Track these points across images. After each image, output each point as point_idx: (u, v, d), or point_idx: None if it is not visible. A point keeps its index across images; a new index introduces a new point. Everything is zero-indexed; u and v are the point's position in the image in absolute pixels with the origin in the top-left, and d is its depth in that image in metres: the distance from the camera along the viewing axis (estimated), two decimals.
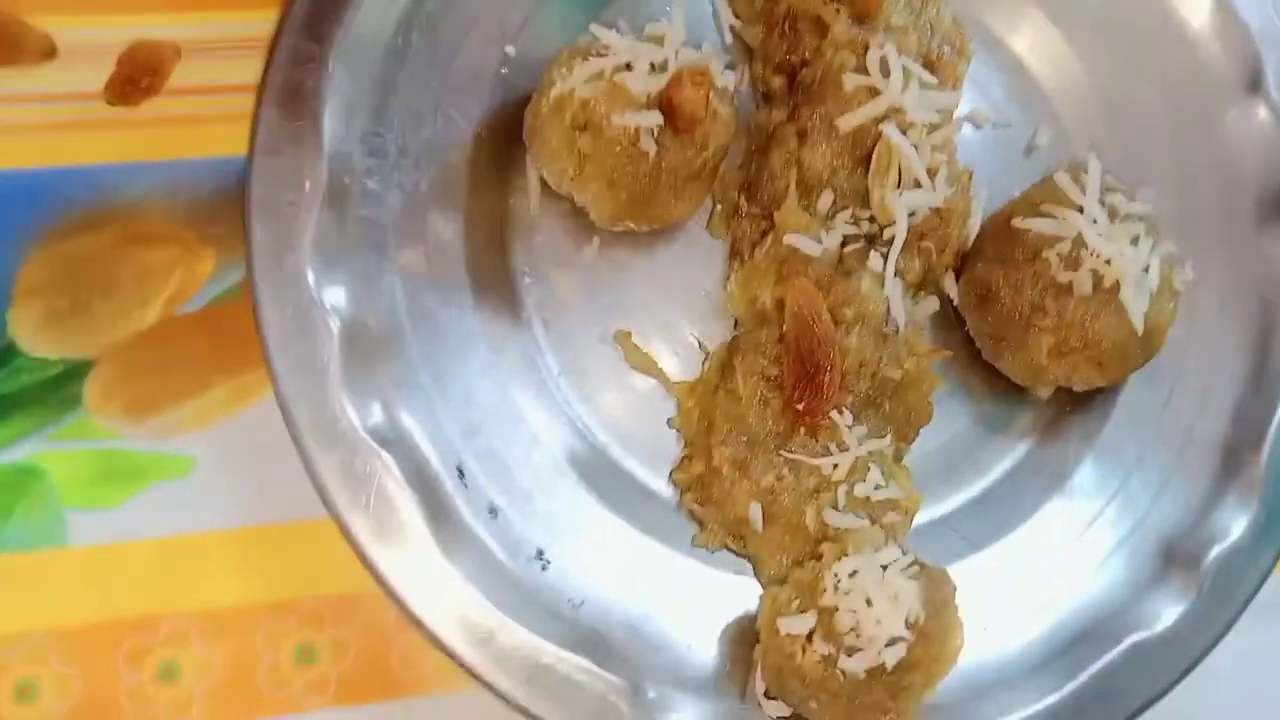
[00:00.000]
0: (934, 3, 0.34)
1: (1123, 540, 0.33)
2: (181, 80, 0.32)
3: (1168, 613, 0.31)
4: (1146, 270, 0.31)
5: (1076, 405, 0.34)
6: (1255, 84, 0.34)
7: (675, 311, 0.33)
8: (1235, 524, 0.32)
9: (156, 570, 0.30)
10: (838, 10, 0.33)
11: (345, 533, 0.28)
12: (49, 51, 0.32)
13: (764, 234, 0.32)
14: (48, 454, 0.30)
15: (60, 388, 0.31)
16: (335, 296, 0.29)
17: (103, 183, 0.31)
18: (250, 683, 0.30)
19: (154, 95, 0.32)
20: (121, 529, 0.30)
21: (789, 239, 0.31)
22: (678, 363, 0.33)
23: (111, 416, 0.31)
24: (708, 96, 0.29)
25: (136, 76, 0.32)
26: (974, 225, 0.34)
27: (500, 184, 0.32)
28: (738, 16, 0.34)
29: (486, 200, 0.32)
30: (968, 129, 0.36)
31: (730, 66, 0.31)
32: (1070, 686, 0.30)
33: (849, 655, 0.27)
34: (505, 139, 0.32)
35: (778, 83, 0.34)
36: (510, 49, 0.32)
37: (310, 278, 0.28)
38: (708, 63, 0.29)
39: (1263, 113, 0.34)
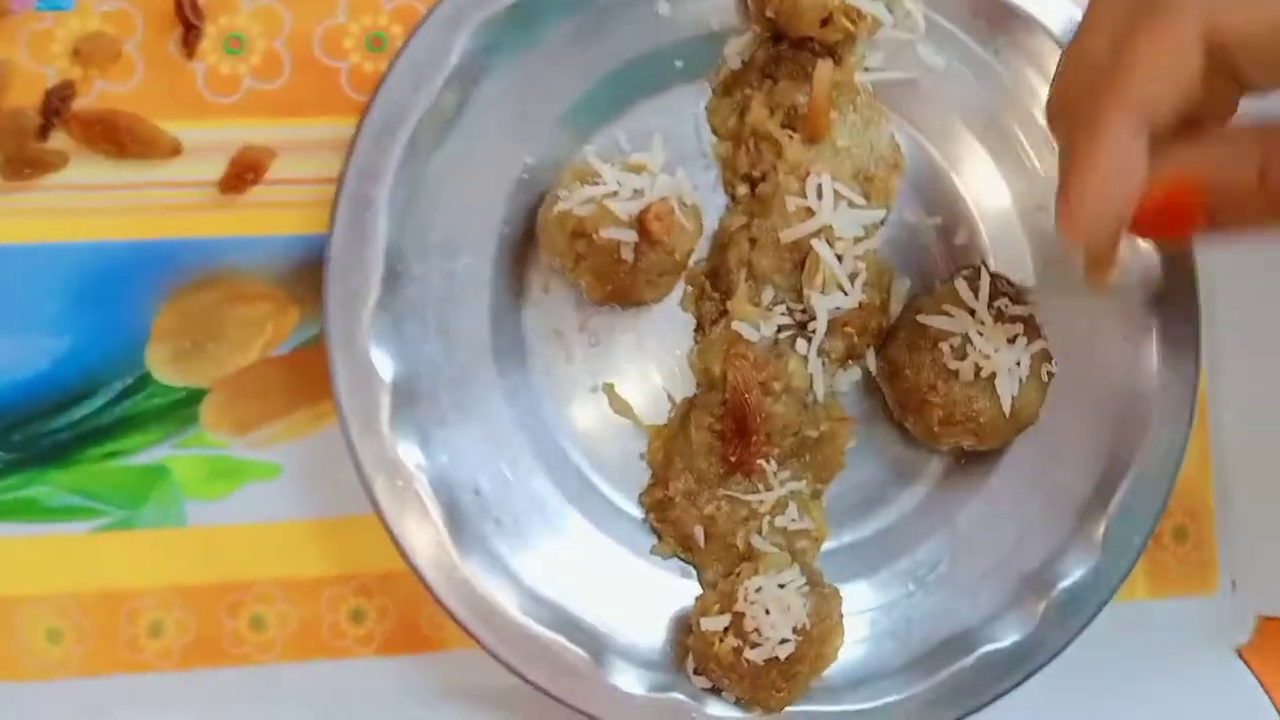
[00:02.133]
0: (875, 126, 0.42)
1: (988, 571, 0.41)
2: (277, 173, 0.42)
3: (1015, 631, 0.40)
4: (1019, 364, 0.39)
5: (969, 460, 0.42)
6: None
7: (651, 368, 0.42)
8: (1080, 566, 0.40)
9: (250, 547, 0.41)
10: (790, 136, 0.41)
11: (387, 530, 0.38)
12: (176, 150, 0.41)
13: (721, 314, 0.41)
14: (173, 458, 0.41)
15: (182, 408, 0.41)
16: (386, 359, 0.38)
17: (215, 252, 0.41)
18: (316, 634, 0.41)
19: (255, 185, 0.41)
20: (225, 515, 0.41)
21: (735, 325, 0.39)
22: (651, 409, 0.42)
23: (220, 431, 0.41)
24: (671, 222, 0.37)
25: (242, 173, 0.41)
26: (894, 312, 0.42)
27: (518, 267, 0.41)
28: (714, 133, 0.43)
29: (507, 280, 0.41)
30: (900, 224, 0.43)
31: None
32: (930, 682, 0.39)
33: (752, 648, 0.36)
34: (524, 231, 0.41)
35: (742, 189, 0.42)
36: (529, 158, 0.41)
37: (368, 348, 0.38)
38: (672, 197, 0.38)
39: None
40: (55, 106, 0.41)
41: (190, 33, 0.41)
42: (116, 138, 0.41)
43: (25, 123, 0.41)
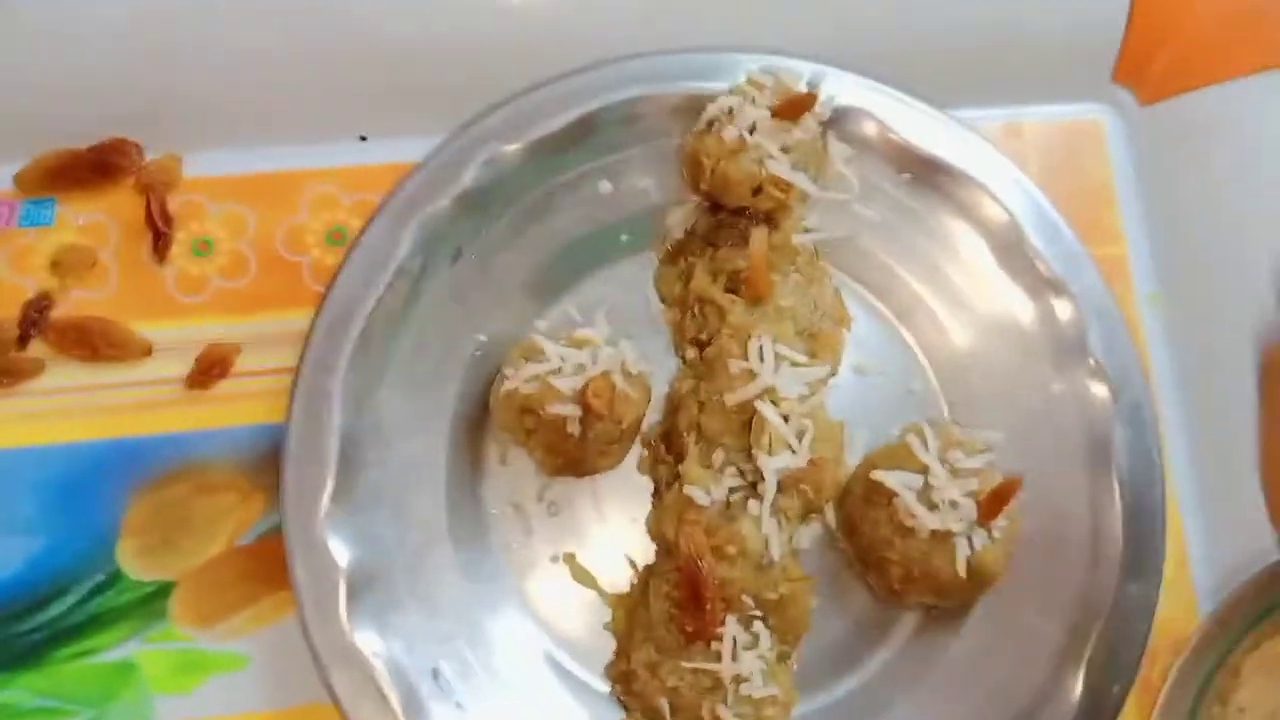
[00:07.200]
0: (818, 284, 0.43)
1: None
2: (242, 366, 0.43)
3: None
4: (974, 520, 0.38)
5: (938, 614, 0.41)
6: (1083, 349, 0.42)
7: (612, 535, 0.42)
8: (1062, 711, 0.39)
9: None
10: (733, 300, 0.42)
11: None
12: (147, 351, 0.43)
13: (675, 478, 0.41)
14: (142, 653, 0.41)
15: (151, 603, 0.41)
16: (343, 546, 0.38)
17: (183, 446, 0.42)
18: None
19: (222, 379, 0.43)
20: (193, 709, 0.41)
21: (686, 489, 0.40)
22: (614, 576, 0.42)
23: (188, 624, 0.41)
24: (611, 396, 0.38)
25: (208, 369, 0.43)
26: (850, 465, 0.42)
27: (475, 441, 0.42)
28: (662, 300, 0.44)
29: (464, 454, 0.42)
30: (854, 376, 0.44)
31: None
32: None
33: None
34: (480, 406, 0.42)
35: (690, 353, 0.43)
36: (482, 336, 0.42)
37: (325, 536, 0.38)
38: (614, 370, 0.39)
39: (1088, 373, 0.42)
40: (33, 318, 0.43)
41: (160, 239, 0.44)
42: (90, 343, 0.43)
43: (4, 334, 0.43)
